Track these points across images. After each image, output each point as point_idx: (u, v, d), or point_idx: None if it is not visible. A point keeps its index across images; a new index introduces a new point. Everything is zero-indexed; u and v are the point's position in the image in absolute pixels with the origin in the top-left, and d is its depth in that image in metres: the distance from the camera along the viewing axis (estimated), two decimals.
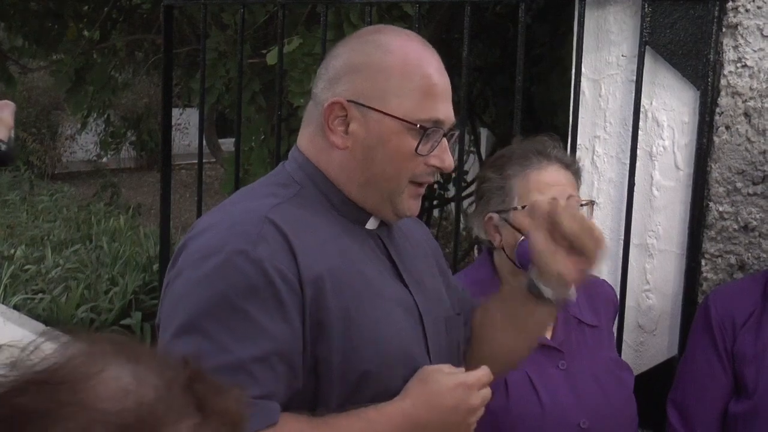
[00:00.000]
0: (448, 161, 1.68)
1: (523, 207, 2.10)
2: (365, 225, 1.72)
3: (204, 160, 3.61)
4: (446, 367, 1.63)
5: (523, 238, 2.11)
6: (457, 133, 1.73)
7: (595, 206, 2.58)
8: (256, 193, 1.69)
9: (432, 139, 1.64)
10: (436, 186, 7.24)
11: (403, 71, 1.62)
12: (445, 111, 1.66)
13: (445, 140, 1.67)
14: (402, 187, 1.66)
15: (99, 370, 0.91)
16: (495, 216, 2.17)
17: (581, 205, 2.17)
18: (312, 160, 1.69)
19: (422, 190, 1.71)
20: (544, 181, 2.11)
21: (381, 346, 1.59)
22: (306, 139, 1.72)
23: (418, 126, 1.62)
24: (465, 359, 1.88)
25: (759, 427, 2.11)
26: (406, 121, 1.61)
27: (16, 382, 0.90)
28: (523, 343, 1.89)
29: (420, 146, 1.62)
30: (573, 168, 2.17)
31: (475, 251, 7.13)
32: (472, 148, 8.22)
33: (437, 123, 1.64)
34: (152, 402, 0.91)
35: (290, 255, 1.52)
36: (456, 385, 1.59)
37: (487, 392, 1.63)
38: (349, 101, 1.62)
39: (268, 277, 1.49)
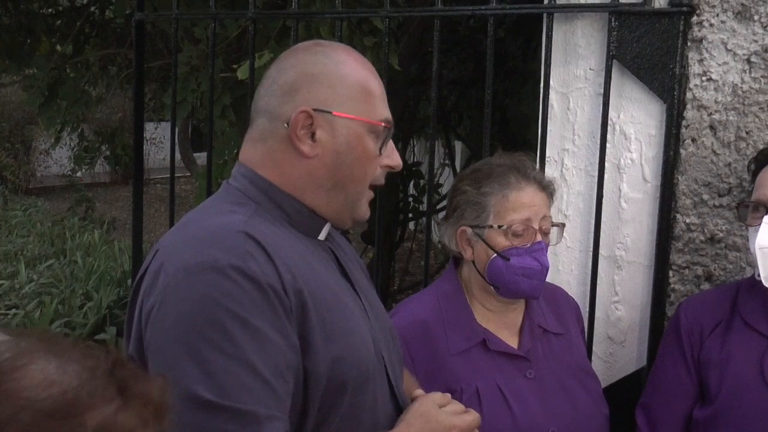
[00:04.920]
0: (397, 159, 1.77)
1: (499, 227, 2.12)
2: (317, 237, 1.74)
3: (179, 174, 3.60)
4: (439, 398, 1.78)
5: (495, 255, 2.13)
6: (392, 131, 1.79)
7: (564, 218, 2.61)
8: (218, 210, 1.65)
9: (385, 139, 1.72)
10: (410, 199, 7.26)
11: (358, 78, 1.69)
12: (389, 112, 1.75)
13: (391, 141, 1.76)
14: (365, 191, 1.73)
15: (25, 363, 0.95)
16: (468, 230, 2.18)
17: (552, 225, 2.19)
18: (264, 174, 1.69)
19: (372, 195, 1.77)
20: (521, 202, 2.13)
21: (356, 357, 1.60)
22: (259, 155, 1.71)
23: (383, 125, 1.70)
24: None
25: None
26: (372, 122, 1.68)
27: None
28: None
29: (381, 147, 1.71)
30: (549, 189, 2.20)
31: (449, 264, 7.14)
32: (446, 161, 8.26)
33: (388, 122, 1.72)
34: (75, 389, 0.95)
35: (274, 270, 1.51)
36: (451, 426, 1.72)
37: None
38: (314, 110, 1.65)
39: (264, 292, 1.47)
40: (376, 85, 1.72)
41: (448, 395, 1.80)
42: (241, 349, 1.43)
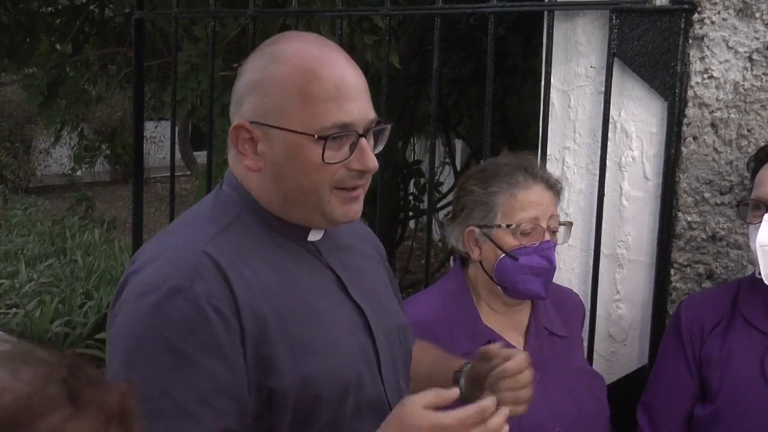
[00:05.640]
0: (370, 163, 1.60)
1: (508, 226, 2.11)
2: (306, 239, 1.68)
3: (179, 173, 3.60)
4: (428, 397, 1.46)
5: (503, 255, 2.12)
6: (387, 127, 1.68)
7: (565, 216, 2.60)
8: (197, 220, 1.64)
9: (344, 143, 1.58)
10: (411, 197, 7.25)
11: (298, 81, 1.56)
12: (353, 111, 1.58)
13: (363, 141, 1.60)
14: (325, 196, 1.60)
15: None
16: (476, 230, 2.17)
17: (560, 224, 2.19)
18: (241, 182, 1.66)
19: (355, 193, 1.63)
20: (529, 200, 2.12)
21: (333, 372, 1.57)
22: (231, 162, 1.69)
23: (316, 136, 1.55)
24: None
25: (721, 430, 2.14)
26: (305, 134, 1.55)
27: None
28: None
29: (327, 154, 1.56)
30: (556, 188, 2.19)
31: (451, 262, 7.14)
32: (446, 160, 8.25)
33: (344, 127, 1.57)
34: (27, 397, 0.94)
35: (228, 291, 1.48)
36: (432, 426, 1.42)
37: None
38: (251, 122, 1.59)
39: (205, 315, 1.45)
40: (322, 87, 1.56)
41: (450, 393, 1.50)
42: (160, 376, 1.43)
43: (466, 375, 1.88)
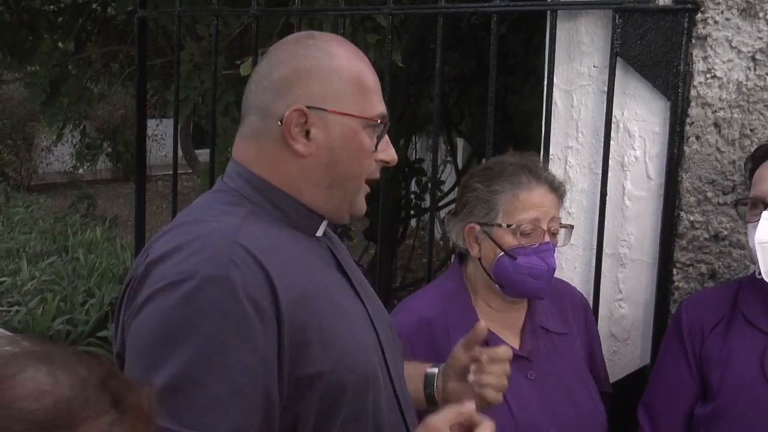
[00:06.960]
0: (393, 154, 1.71)
1: (508, 225, 2.12)
2: (315, 234, 1.70)
3: (181, 171, 3.60)
4: (451, 416, 1.54)
5: (502, 253, 2.13)
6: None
7: (567, 216, 2.60)
8: (211, 212, 1.61)
9: (380, 134, 1.68)
10: (412, 196, 7.25)
11: (354, 71, 1.64)
12: (384, 106, 1.70)
13: (386, 135, 1.71)
14: (362, 185, 1.69)
15: (15, 372, 0.93)
16: (477, 227, 2.18)
17: (561, 226, 2.19)
18: (260, 173, 1.65)
19: (369, 189, 1.73)
20: (531, 202, 2.12)
21: (354, 362, 1.57)
22: (253, 154, 1.66)
23: (379, 121, 1.66)
24: None
25: (721, 429, 2.14)
26: (367, 119, 1.64)
27: None
28: None
29: (369, 142, 1.66)
30: (559, 191, 2.19)
31: (452, 260, 7.14)
32: (448, 158, 8.24)
33: (383, 117, 1.67)
34: (68, 399, 0.93)
35: (265, 279, 1.47)
36: None
37: None
38: (308, 107, 1.60)
39: (240, 305, 1.43)
40: (371, 78, 1.67)
41: (466, 408, 1.56)
42: (194, 366, 1.40)
43: (440, 375, 1.92)
